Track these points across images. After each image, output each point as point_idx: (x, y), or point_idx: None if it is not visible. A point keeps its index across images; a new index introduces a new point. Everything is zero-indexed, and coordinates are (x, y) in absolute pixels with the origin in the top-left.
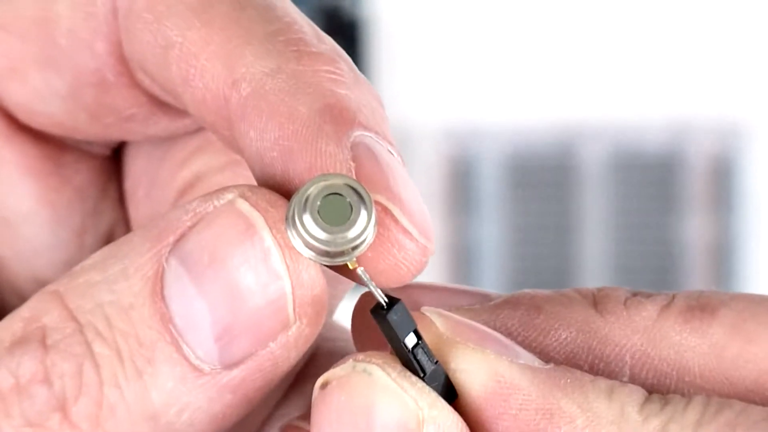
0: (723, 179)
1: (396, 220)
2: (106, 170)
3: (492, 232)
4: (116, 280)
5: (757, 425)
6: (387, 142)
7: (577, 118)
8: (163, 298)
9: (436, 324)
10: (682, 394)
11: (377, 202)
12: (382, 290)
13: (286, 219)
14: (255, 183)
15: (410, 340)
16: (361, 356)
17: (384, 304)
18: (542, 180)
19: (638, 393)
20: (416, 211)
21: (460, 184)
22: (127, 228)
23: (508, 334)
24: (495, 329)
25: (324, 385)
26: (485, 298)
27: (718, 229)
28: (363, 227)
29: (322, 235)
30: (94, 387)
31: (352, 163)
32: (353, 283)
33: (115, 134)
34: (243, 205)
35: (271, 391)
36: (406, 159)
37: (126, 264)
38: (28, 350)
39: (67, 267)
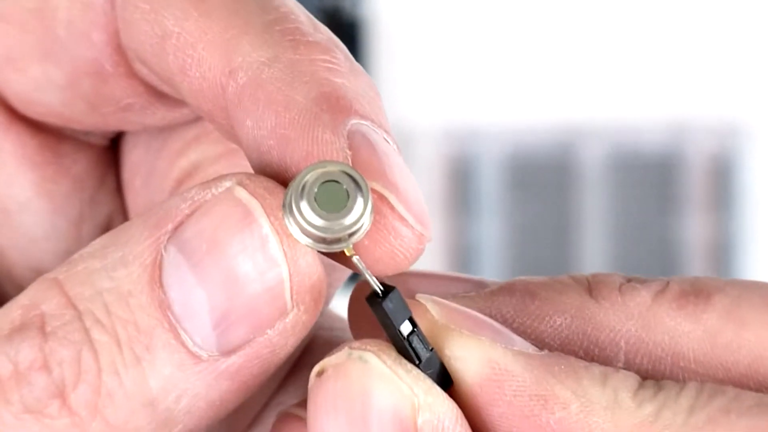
0: (722, 179)
1: (392, 208)
2: (103, 160)
3: (492, 232)
4: (115, 268)
5: (750, 410)
6: (383, 130)
7: (577, 118)
8: (161, 285)
9: (431, 311)
10: (677, 380)
11: (374, 190)
12: (377, 278)
13: (283, 206)
14: (252, 172)
15: (405, 328)
16: (356, 344)
17: (379, 292)
18: (542, 180)
19: (632, 379)
20: (412, 198)
21: (460, 184)
22: (124, 218)
23: (503, 321)
24: (490, 316)
25: (320, 373)
26: (480, 285)
27: (717, 229)
28: (359, 214)
29: (319, 221)
30: (93, 374)
31: (348, 151)
32: (349, 271)
33: (113, 124)
34: (241, 193)
35: (268, 378)
36: (406, 159)
37: (125, 252)
38: (27, 337)
39: (65, 256)
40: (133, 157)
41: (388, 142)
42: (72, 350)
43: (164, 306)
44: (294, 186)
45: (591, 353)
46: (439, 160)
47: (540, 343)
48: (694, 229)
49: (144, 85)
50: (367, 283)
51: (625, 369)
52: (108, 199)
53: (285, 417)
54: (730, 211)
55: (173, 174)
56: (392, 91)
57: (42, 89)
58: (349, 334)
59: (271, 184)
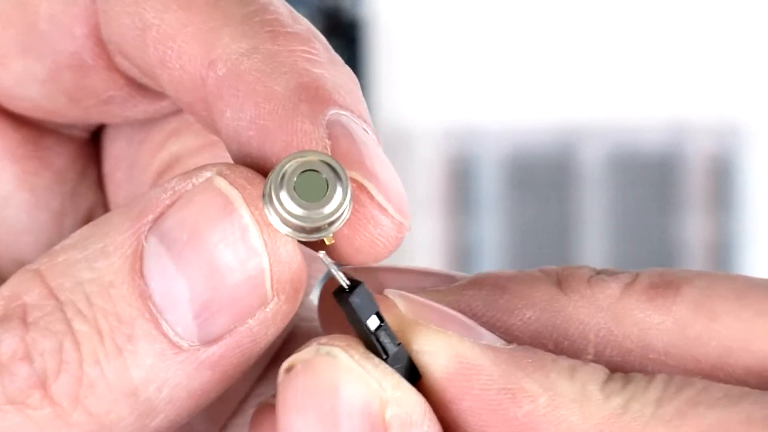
0: (722, 179)
1: (371, 197)
2: (85, 153)
3: (491, 232)
4: (96, 259)
5: (718, 402)
6: (362, 120)
7: (576, 118)
8: (142, 275)
9: (399, 306)
10: (647, 372)
11: (353, 179)
12: (344, 273)
13: (263, 196)
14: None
15: (372, 323)
16: (324, 339)
17: (346, 286)
18: (541, 180)
19: (600, 372)
20: (392, 188)
21: (460, 184)
22: (106, 210)
23: (473, 315)
24: (459, 310)
25: (289, 369)
26: (450, 279)
27: (717, 229)
28: (339, 203)
29: (299, 211)
30: (74, 364)
31: (327, 141)
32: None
33: (94, 117)
34: (221, 183)
35: (249, 368)
36: (406, 159)
37: (106, 242)
38: (8, 328)
39: (46, 249)
40: (114, 150)
41: (367, 132)
42: (53, 341)
43: (145, 296)
44: (273, 176)
45: (561, 346)
46: (439, 160)
47: (510, 336)
48: (694, 229)
49: (125, 78)
50: (335, 278)
51: (594, 362)
52: (89, 192)
53: (264, 408)
54: (730, 211)
55: (154, 166)
56: (392, 91)
57: (23, 83)
58: None
59: (251, 174)
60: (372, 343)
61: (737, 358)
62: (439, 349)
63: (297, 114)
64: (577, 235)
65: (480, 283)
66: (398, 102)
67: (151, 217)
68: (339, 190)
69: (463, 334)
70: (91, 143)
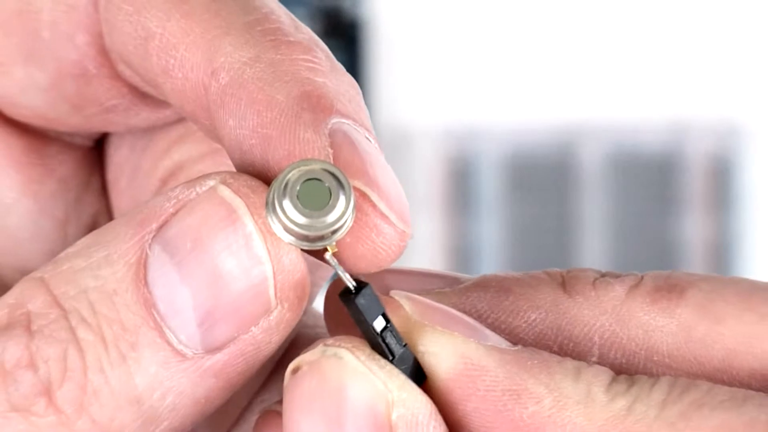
0: (721, 179)
1: (374, 205)
2: (88, 161)
3: (491, 232)
4: (100, 267)
5: (722, 404)
6: (364, 128)
7: (576, 118)
8: (146, 283)
9: (405, 307)
10: (651, 374)
11: (355, 188)
12: (351, 275)
13: (266, 204)
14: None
15: (378, 324)
16: (330, 341)
17: (352, 288)
18: (541, 180)
19: (605, 374)
20: (394, 196)
21: (460, 184)
22: (109, 218)
23: (478, 317)
24: (464, 312)
25: (295, 370)
26: (455, 281)
27: (717, 229)
28: (342, 212)
29: (302, 219)
30: (79, 372)
31: (330, 150)
32: (333, 271)
33: (97, 125)
34: (225, 191)
35: (253, 375)
36: (406, 159)
37: (110, 250)
38: (13, 336)
39: (51, 257)
40: (117, 158)
41: (369, 140)
42: (58, 348)
43: (149, 304)
44: (277, 184)
45: (565, 348)
46: (439, 160)
47: (514, 338)
48: (694, 229)
49: (127, 86)
50: (341, 279)
51: (599, 363)
52: (93, 200)
53: (267, 414)
54: (730, 211)
55: (157, 174)
56: (392, 91)
57: (26, 91)
58: None
59: (255, 183)
60: (378, 345)
61: (741, 361)
62: (445, 350)
63: (299, 123)
64: (576, 234)
65: (485, 285)
66: (398, 102)
67: (154, 225)
68: (342, 198)
69: (468, 335)
70: (95, 151)
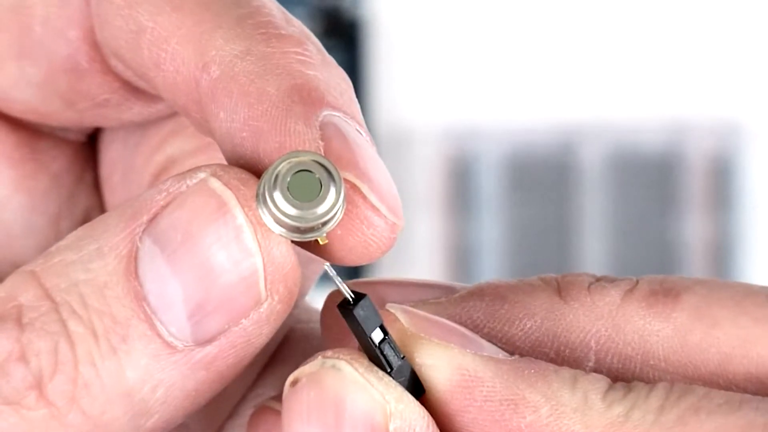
0: (722, 179)
1: (364, 197)
2: (81, 157)
3: (491, 232)
4: (91, 260)
5: (719, 408)
6: (355, 121)
7: (577, 118)
8: (137, 276)
9: (401, 320)
10: (647, 379)
11: (346, 180)
12: (348, 286)
13: (257, 196)
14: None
15: (377, 336)
16: (329, 352)
17: (350, 299)
18: (542, 180)
19: (602, 381)
20: (385, 188)
21: (460, 184)
22: (102, 213)
23: (474, 326)
24: (460, 322)
25: (294, 383)
26: (450, 290)
27: (717, 229)
28: (332, 203)
29: (292, 211)
30: (70, 365)
31: (320, 142)
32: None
33: (90, 120)
34: (215, 184)
35: (244, 369)
36: (406, 159)
37: (101, 243)
38: (4, 328)
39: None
40: (110, 153)
41: (360, 132)
42: (49, 341)
43: (140, 297)
44: (267, 176)
45: (562, 354)
46: (439, 160)
47: (511, 346)
48: (694, 229)
49: (120, 80)
50: (339, 291)
51: (595, 369)
52: (86, 195)
53: (261, 410)
54: (730, 211)
55: (150, 169)
56: (392, 91)
57: (18, 86)
58: None
59: (245, 175)
60: (376, 356)
61: (737, 365)
62: (442, 362)
63: (290, 115)
64: (576, 234)
65: (480, 293)
66: (398, 102)
67: (145, 218)
68: (332, 190)
69: (464, 346)
70: (88, 146)
